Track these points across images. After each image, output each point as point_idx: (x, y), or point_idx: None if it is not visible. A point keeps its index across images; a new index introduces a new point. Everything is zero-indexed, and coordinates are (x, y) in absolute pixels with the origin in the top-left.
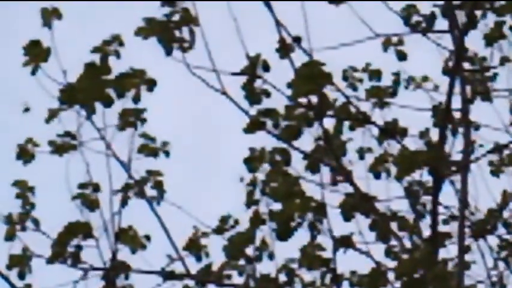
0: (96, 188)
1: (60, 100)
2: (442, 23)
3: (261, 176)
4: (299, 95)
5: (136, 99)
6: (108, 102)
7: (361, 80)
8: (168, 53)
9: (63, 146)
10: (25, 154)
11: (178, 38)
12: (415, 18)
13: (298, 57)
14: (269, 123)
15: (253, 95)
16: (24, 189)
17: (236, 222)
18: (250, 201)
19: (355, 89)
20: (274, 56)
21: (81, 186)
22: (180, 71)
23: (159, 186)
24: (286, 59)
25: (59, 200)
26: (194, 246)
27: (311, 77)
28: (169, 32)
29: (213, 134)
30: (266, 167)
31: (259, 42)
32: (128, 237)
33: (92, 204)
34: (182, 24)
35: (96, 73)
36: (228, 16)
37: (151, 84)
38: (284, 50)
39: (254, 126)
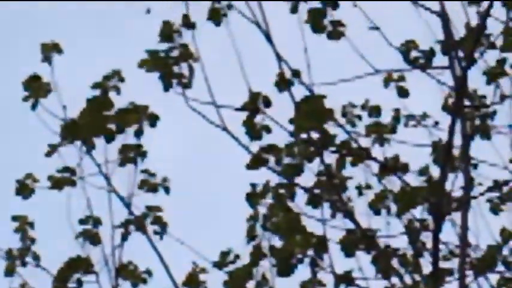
0: (97, 222)
1: (62, 135)
2: (442, 59)
3: (262, 210)
4: (301, 131)
5: (138, 134)
6: (109, 137)
7: (359, 117)
8: (166, 88)
9: (61, 181)
10: (24, 189)
11: (177, 74)
12: (414, 54)
13: (298, 92)
14: (271, 159)
15: (254, 131)
16: (23, 224)
17: (237, 257)
18: (251, 236)
19: (353, 125)
20: (274, 90)
21: (82, 221)
22: (181, 105)
23: (159, 221)
24: (286, 93)
25: (60, 234)
26: (193, 282)
27: (313, 112)
28: (168, 67)
29: (214, 168)
30: (267, 201)
31: (260, 76)
32: (128, 272)
33: (93, 239)
34: (181, 60)
35: (99, 108)
36: (228, 50)
37: (153, 120)
38: (282, 83)
39: (256, 162)
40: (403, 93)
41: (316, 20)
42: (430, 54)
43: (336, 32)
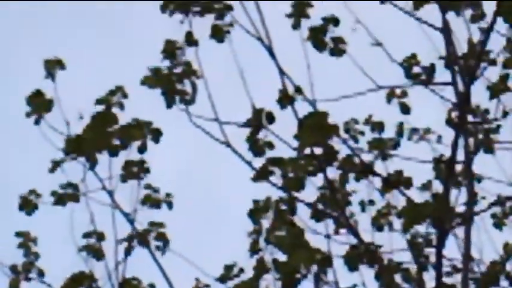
0: (101, 237)
1: (66, 150)
2: (445, 73)
3: (265, 223)
4: (305, 146)
5: (142, 149)
6: (113, 153)
7: (362, 133)
8: (169, 105)
9: (65, 197)
10: (27, 205)
11: (180, 91)
12: (416, 70)
13: (301, 108)
14: (277, 173)
15: (256, 147)
16: (26, 240)
17: (241, 270)
18: (255, 250)
19: (356, 141)
20: (277, 106)
21: (86, 235)
22: (184, 120)
23: (162, 237)
24: (289, 109)
25: (64, 249)
26: None
27: (317, 128)
28: (171, 84)
29: (217, 183)
30: (270, 215)
31: (263, 91)
32: (131, 287)
33: (96, 254)
34: (184, 77)
35: (103, 123)
36: (232, 66)
37: (157, 135)
38: (285, 100)
39: (262, 174)
40: (405, 109)
41: (317, 38)
42: (430, 69)
43: (337, 49)
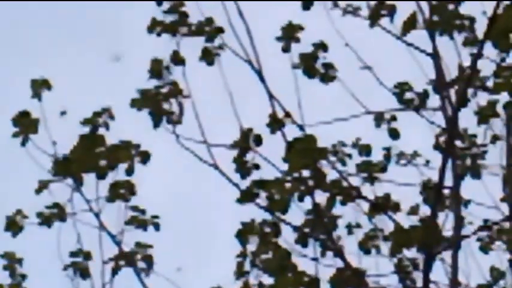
0: (88, 256)
1: (54, 172)
2: (434, 99)
3: (251, 247)
4: (295, 170)
5: (129, 171)
6: (101, 174)
7: (350, 155)
8: (156, 125)
9: (51, 217)
10: (13, 226)
11: (167, 111)
12: (408, 95)
13: (290, 131)
14: (262, 195)
15: (244, 169)
16: (11, 261)
17: None
18: (240, 273)
19: (344, 164)
20: (265, 128)
21: (73, 254)
22: (171, 141)
23: (148, 259)
24: (278, 133)
25: (50, 270)
26: None
27: (306, 151)
28: (158, 104)
29: (204, 205)
30: (256, 238)
31: (252, 114)
32: None
33: (83, 272)
34: (170, 96)
35: (90, 144)
36: (221, 87)
37: (145, 157)
38: (275, 124)
39: (247, 196)
40: (394, 134)
41: (308, 65)
42: (424, 96)
43: (327, 76)
